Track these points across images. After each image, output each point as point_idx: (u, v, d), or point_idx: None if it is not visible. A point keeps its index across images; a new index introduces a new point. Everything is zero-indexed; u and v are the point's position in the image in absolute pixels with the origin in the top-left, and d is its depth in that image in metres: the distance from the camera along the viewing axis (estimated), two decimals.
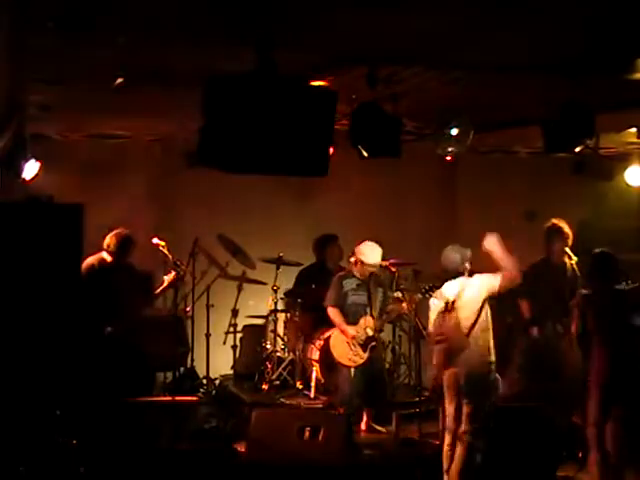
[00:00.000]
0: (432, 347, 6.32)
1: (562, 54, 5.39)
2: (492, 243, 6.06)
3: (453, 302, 6.10)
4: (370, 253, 7.48)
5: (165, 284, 8.04)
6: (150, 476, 6.25)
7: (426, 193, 10.19)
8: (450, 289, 6.19)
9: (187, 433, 7.12)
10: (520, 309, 7.79)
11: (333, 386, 7.83)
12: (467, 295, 6.10)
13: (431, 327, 6.30)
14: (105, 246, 7.58)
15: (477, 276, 6.16)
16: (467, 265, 6.17)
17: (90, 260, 7.42)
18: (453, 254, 6.20)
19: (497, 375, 6.17)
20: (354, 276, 7.61)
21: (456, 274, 6.18)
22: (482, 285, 6.08)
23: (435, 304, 6.28)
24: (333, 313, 7.61)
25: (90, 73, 5.93)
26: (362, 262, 7.49)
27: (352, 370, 7.42)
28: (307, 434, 6.44)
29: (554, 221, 7.77)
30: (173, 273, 7.99)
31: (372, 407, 7.65)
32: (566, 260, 7.80)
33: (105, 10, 4.55)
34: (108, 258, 7.58)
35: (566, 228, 7.74)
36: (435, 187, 10.26)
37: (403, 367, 9.27)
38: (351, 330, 7.48)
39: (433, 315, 6.27)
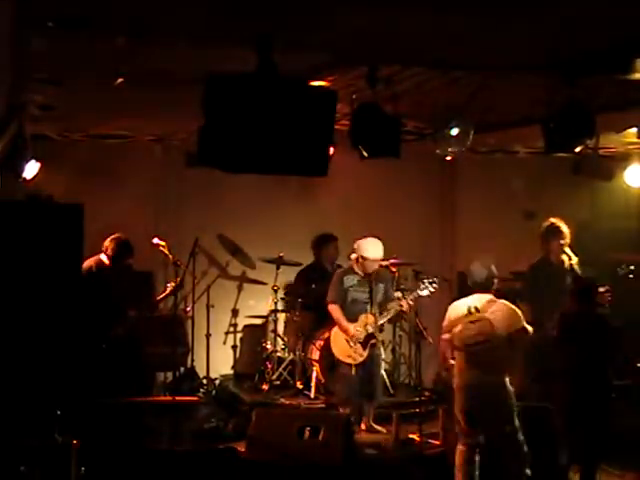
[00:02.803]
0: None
1: (562, 54, 5.39)
2: None
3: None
4: (371, 248, 7.48)
5: (167, 291, 8.06)
6: (150, 476, 6.25)
7: (426, 193, 10.18)
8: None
9: (187, 433, 7.12)
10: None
11: (333, 385, 7.83)
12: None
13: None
14: (103, 249, 7.61)
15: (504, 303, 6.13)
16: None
17: (88, 262, 7.43)
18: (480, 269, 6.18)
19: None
20: (355, 273, 7.60)
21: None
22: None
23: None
24: (333, 310, 7.58)
25: (90, 73, 5.93)
26: (363, 258, 7.48)
27: (353, 368, 7.41)
28: (307, 434, 6.45)
29: (552, 220, 7.78)
30: (175, 282, 8.02)
31: (372, 402, 7.64)
32: (565, 260, 7.80)
33: (104, 10, 4.55)
34: (106, 261, 7.61)
35: (564, 228, 7.74)
36: (435, 187, 10.26)
37: (403, 367, 9.28)
38: (351, 328, 7.46)
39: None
